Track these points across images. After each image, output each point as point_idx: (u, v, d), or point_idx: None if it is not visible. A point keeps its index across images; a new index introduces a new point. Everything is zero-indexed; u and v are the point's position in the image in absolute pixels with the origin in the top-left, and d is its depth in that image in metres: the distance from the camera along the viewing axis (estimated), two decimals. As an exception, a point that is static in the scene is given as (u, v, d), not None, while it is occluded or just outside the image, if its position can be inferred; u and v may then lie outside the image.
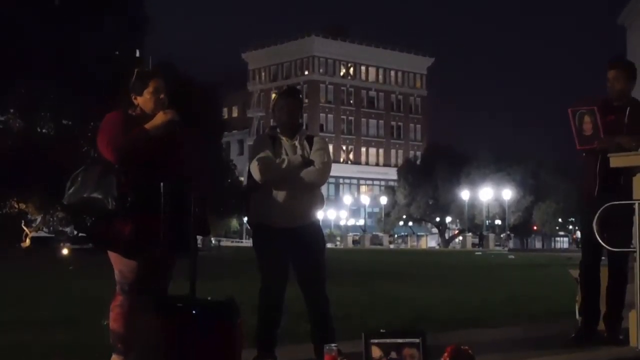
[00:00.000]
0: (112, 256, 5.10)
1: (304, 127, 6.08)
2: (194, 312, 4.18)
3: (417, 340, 4.68)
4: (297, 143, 5.76)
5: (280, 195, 5.65)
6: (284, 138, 5.78)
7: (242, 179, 57.29)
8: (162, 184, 4.92)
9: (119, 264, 5.08)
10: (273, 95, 7.28)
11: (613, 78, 6.77)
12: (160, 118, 5.08)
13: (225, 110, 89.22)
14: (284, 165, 5.61)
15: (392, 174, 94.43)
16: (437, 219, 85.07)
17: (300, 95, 6.10)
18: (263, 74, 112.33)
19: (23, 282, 15.47)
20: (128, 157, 4.95)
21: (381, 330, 4.88)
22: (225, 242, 73.64)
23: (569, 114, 6.73)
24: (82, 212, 5.08)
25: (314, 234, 5.81)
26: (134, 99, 5.21)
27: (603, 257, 6.95)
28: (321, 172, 5.70)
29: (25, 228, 43.32)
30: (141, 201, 4.92)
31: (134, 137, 4.97)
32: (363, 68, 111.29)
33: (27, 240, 42.86)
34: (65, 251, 31.96)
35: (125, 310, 5.02)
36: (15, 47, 34.41)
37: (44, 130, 40.17)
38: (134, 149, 4.95)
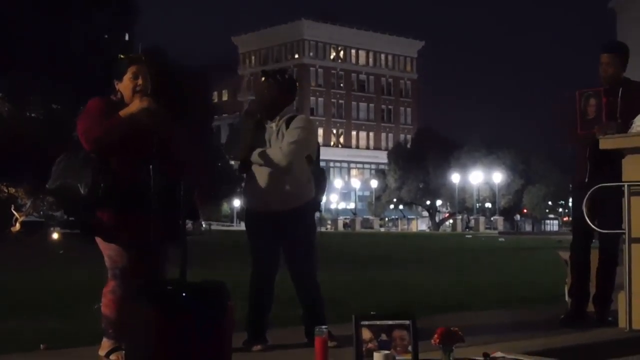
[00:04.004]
0: (100, 242, 5.11)
1: (294, 109, 5.98)
2: (183, 295, 4.17)
3: (407, 323, 4.69)
4: (274, 126, 5.66)
5: (262, 179, 5.59)
6: (266, 120, 5.71)
7: (232, 163, 57.21)
8: (150, 167, 4.91)
9: (107, 249, 5.09)
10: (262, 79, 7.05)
11: (606, 62, 6.74)
12: (135, 105, 5.04)
13: (215, 94, 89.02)
14: (253, 158, 5.58)
15: (382, 157, 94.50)
16: (428, 202, 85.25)
17: (286, 76, 5.81)
18: (253, 57, 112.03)
19: (13, 267, 15.43)
20: (103, 147, 4.94)
21: (371, 313, 4.89)
22: (216, 227, 73.70)
23: (577, 96, 6.66)
24: (60, 198, 5.08)
25: (302, 218, 5.70)
26: (116, 84, 5.19)
27: (594, 240, 6.97)
28: (284, 152, 5.51)
29: (15, 212, 43.20)
30: (120, 188, 4.92)
31: (108, 126, 4.95)
32: (353, 51, 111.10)
33: (17, 225, 42.75)
34: (55, 235, 31.90)
35: (117, 295, 5.02)
36: (3, 31, 34.20)
37: (33, 115, 40.00)
38: (108, 139, 4.94)
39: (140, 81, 5.14)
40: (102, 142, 4.94)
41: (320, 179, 5.96)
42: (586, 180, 6.67)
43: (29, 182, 37.29)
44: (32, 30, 34.74)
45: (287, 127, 5.61)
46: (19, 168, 35.08)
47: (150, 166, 4.95)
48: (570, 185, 7.51)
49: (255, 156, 5.57)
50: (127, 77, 5.15)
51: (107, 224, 4.98)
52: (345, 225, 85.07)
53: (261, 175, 5.60)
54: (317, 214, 6.26)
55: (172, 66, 38.16)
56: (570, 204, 7.75)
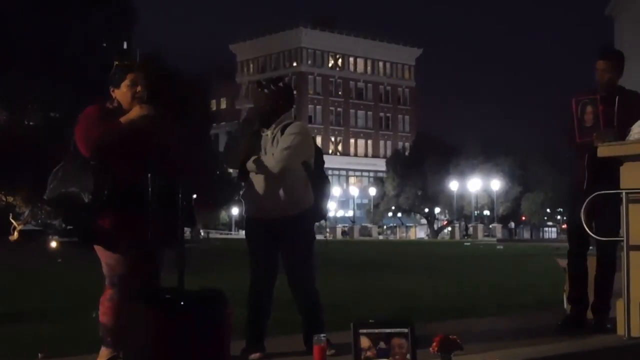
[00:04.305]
0: (98, 250, 5.09)
1: (293, 117, 5.97)
2: (182, 303, 4.17)
3: (405, 330, 4.68)
4: (269, 133, 5.65)
5: (259, 186, 5.58)
6: (262, 128, 5.72)
7: (231, 170, 57.24)
8: (149, 175, 4.91)
9: (106, 257, 5.07)
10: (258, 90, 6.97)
11: (602, 69, 6.75)
12: (136, 112, 5.05)
13: (213, 102, 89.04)
14: (247, 165, 5.59)
15: (380, 165, 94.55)
16: (426, 210, 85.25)
17: (281, 84, 5.75)
18: (251, 65, 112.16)
19: (12, 275, 15.42)
20: (102, 152, 4.93)
21: (370, 321, 4.88)
22: (214, 234, 73.69)
23: (573, 103, 6.66)
24: (61, 207, 5.06)
25: (301, 225, 5.67)
26: (112, 91, 5.19)
27: (591, 247, 6.97)
28: (277, 159, 5.49)
29: (13, 221, 43.16)
30: (121, 195, 4.92)
31: (108, 131, 4.95)
32: (351, 59, 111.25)
33: (16, 234, 42.70)
34: (53, 244, 31.86)
35: (115, 303, 5.00)
36: (3, 31, 34.22)
37: (31, 123, 40.02)
38: (108, 144, 4.94)
39: (139, 88, 5.15)
40: (101, 143, 4.92)
41: (322, 186, 5.91)
42: (584, 187, 6.66)
43: (28, 188, 37.28)
44: (32, 30, 34.78)
45: (282, 134, 5.60)
46: (17, 176, 35.08)
47: (149, 170, 4.95)
48: (568, 192, 7.47)
49: (249, 163, 5.58)
50: (125, 84, 5.15)
51: (108, 231, 4.97)
52: (343, 233, 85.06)
53: (258, 182, 5.60)
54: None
55: (171, 71, 38.18)
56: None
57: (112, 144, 4.95)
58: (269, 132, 5.65)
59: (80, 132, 5.01)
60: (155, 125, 5.09)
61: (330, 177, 6.24)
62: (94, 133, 4.94)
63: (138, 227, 4.95)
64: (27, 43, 34.54)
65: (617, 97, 6.62)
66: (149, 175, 4.95)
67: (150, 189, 4.95)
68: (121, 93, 5.15)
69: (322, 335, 4.89)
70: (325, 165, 6.09)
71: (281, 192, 5.56)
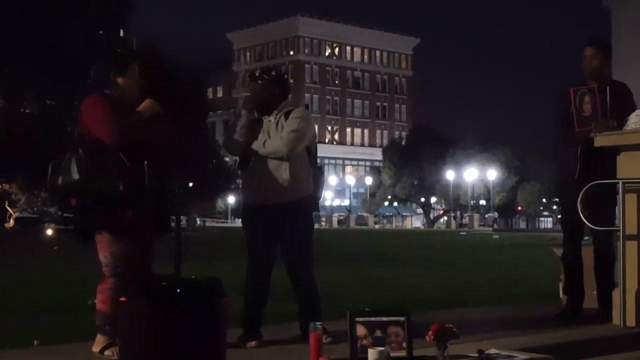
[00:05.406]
0: (103, 240, 5.05)
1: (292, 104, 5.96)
2: (178, 290, 4.16)
3: (401, 319, 4.69)
4: (273, 119, 5.67)
5: (260, 173, 5.59)
6: (264, 115, 5.73)
7: (227, 159, 57.23)
8: (145, 163, 4.90)
9: (111, 247, 5.03)
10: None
11: (590, 56, 6.75)
12: (151, 105, 5.04)
13: (210, 90, 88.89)
14: (255, 146, 5.58)
15: (377, 154, 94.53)
16: (422, 199, 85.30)
17: (273, 73, 5.80)
18: (248, 54, 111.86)
19: (6, 263, 15.38)
20: (125, 140, 4.90)
21: (366, 309, 4.89)
22: (210, 223, 73.70)
23: (571, 93, 6.65)
24: (72, 197, 4.99)
25: (300, 216, 5.67)
26: (117, 79, 5.14)
27: (587, 237, 6.97)
28: (285, 140, 5.51)
29: (9, 208, 43.12)
30: (136, 185, 4.91)
31: (133, 119, 4.93)
32: (348, 48, 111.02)
33: (11, 221, 42.67)
34: (49, 232, 31.83)
35: (116, 293, 4.98)
36: (2, 30, 34.12)
37: (27, 111, 39.92)
38: (133, 131, 4.92)
39: (143, 80, 5.13)
40: (126, 133, 4.89)
41: (317, 176, 5.93)
42: (575, 176, 6.65)
43: (24, 178, 37.23)
44: (32, 30, 34.69)
45: (287, 119, 5.62)
46: (14, 164, 35.01)
47: (150, 163, 4.95)
48: (558, 183, 7.43)
49: (256, 145, 5.57)
50: (133, 73, 5.11)
51: (130, 220, 4.95)
52: (339, 222, 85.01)
53: (259, 168, 5.60)
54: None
55: (170, 68, 38.11)
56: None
57: (136, 133, 4.92)
58: (272, 118, 5.66)
59: (102, 120, 4.94)
60: (161, 121, 5.11)
61: (326, 166, 6.27)
62: (120, 122, 4.89)
63: (141, 218, 4.94)
64: (27, 42, 34.43)
65: (609, 88, 6.60)
66: (148, 169, 4.94)
67: (148, 182, 4.94)
68: (128, 82, 5.11)
69: (318, 323, 4.88)
70: (322, 154, 6.12)
71: (285, 177, 5.57)
